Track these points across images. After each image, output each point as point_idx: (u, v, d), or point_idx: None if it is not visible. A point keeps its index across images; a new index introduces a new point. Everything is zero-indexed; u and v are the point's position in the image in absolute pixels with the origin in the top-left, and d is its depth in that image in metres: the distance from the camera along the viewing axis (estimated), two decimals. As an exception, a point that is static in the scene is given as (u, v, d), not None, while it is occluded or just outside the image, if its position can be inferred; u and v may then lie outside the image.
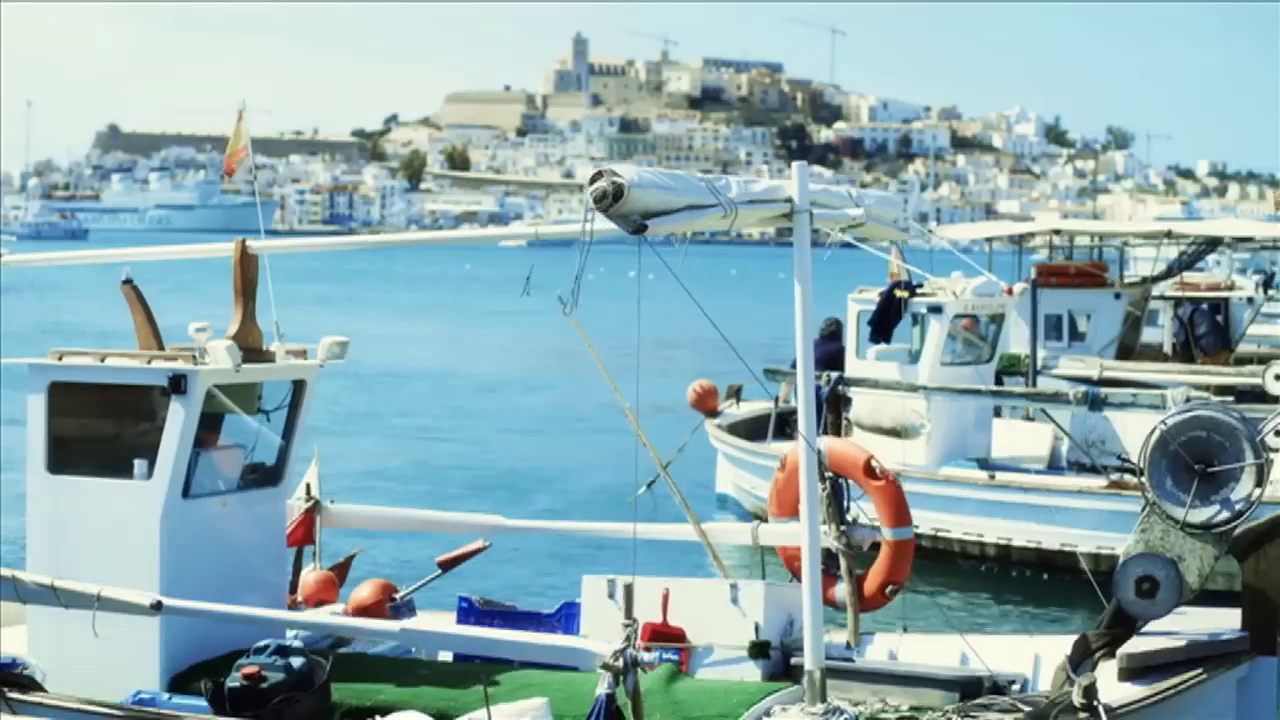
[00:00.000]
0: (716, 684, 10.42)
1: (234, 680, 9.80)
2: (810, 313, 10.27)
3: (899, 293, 21.85)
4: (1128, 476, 19.70)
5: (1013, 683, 10.73)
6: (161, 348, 11.25)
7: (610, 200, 8.77)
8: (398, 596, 12.34)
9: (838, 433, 21.69)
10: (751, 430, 23.58)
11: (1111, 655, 9.30)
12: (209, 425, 11.27)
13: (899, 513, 11.61)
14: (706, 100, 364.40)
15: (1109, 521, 19.47)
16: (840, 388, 21.14)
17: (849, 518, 11.77)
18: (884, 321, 21.86)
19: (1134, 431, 20.05)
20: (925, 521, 21.37)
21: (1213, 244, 26.16)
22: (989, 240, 26.02)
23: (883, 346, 22.40)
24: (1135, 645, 9.30)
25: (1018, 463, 21.82)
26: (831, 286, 25.54)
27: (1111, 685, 9.13)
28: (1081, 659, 9.45)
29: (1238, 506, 9.25)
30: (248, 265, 11.49)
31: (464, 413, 38.94)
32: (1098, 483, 19.92)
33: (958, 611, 19.25)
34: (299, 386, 11.60)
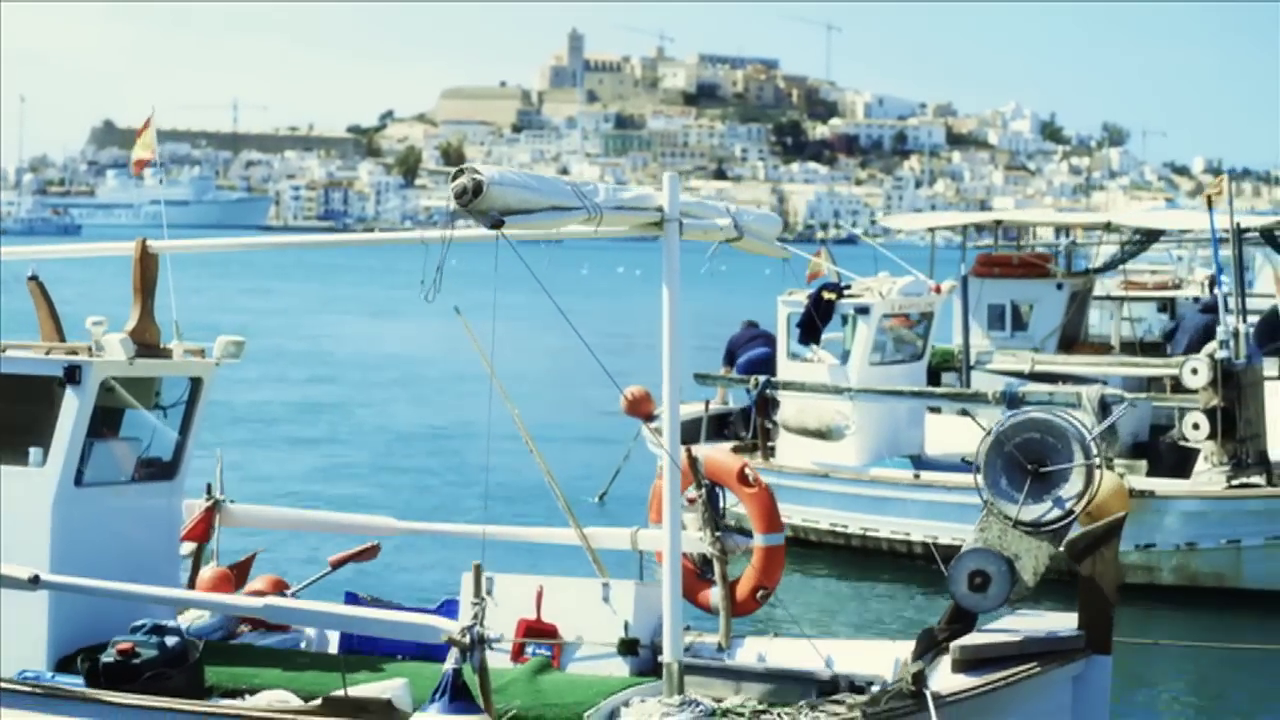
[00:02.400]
0: (581, 677, 10.75)
1: (109, 655, 10.26)
2: (679, 318, 10.52)
3: (826, 294, 22.03)
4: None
5: (870, 683, 10.98)
6: (63, 339, 11.65)
7: (470, 196, 9.06)
8: (289, 593, 12.67)
9: (766, 436, 21.91)
10: (687, 434, 23.74)
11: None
12: (108, 419, 11.69)
13: (770, 519, 11.92)
14: (702, 96, 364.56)
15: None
16: (768, 391, 21.36)
17: (723, 523, 12.06)
18: (812, 323, 22.03)
19: None
20: (854, 522, 21.62)
21: (1153, 235, 26.29)
22: (931, 230, 26.22)
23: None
24: (971, 640, 9.58)
25: (952, 458, 22.00)
26: (762, 289, 25.92)
27: (945, 677, 9.41)
28: (923, 653, 9.75)
29: (1068, 505, 9.61)
30: (147, 265, 11.90)
31: (424, 409, 39.07)
32: (1018, 482, 20.11)
33: (878, 610, 19.51)
34: (196, 384, 12.01)
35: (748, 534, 12.01)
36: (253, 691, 10.51)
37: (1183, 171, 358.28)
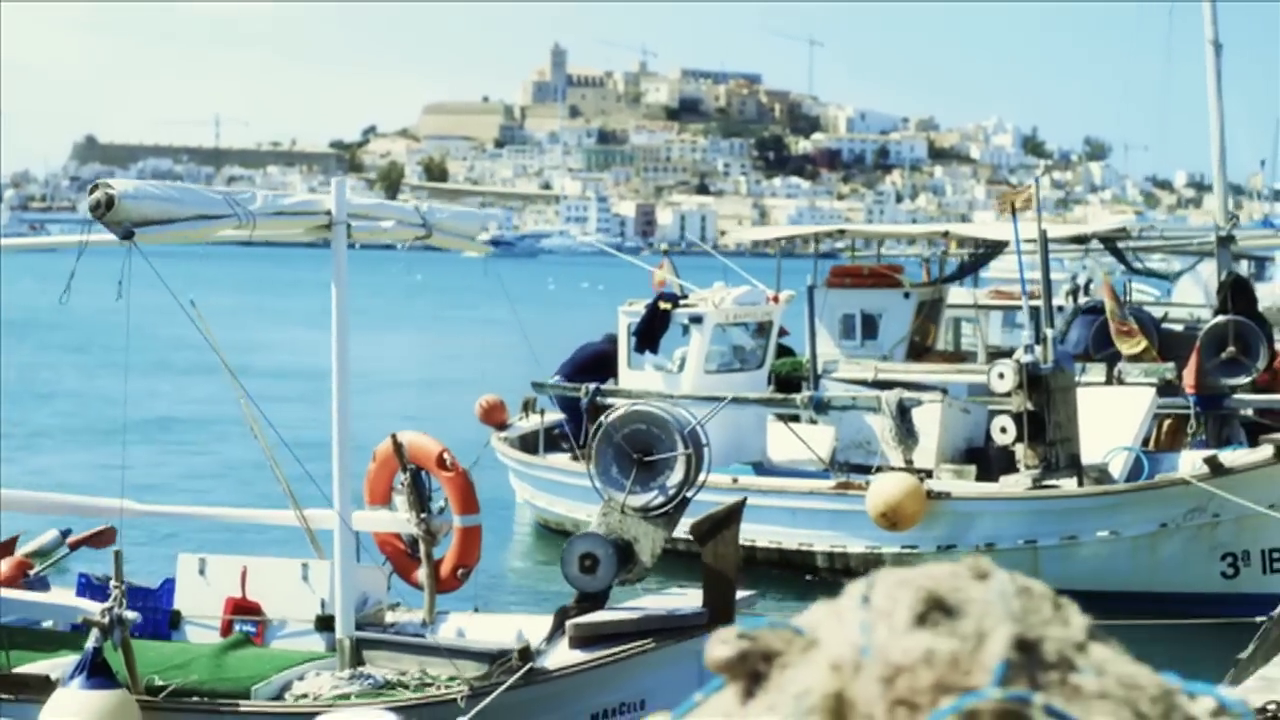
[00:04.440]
0: (268, 652, 11.40)
1: None
2: (348, 318, 11.16)
3: (663, 304, 22.60)
4: (854, 478, 20.58)
5: (539, 653, 11.64)
6: None
7: (103, 209, 9.72)
8: (31, 573, 13.37)
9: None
10: (536, 443, 24.42)
11: None
12: None
13: (467, 502, 12.60)
14: (684, 111, 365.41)
15: (839, 521, 20.34)
16: (599, 399, 21.94)
17: (431, 506, 12.72)
18: (649, 332, 22.60)
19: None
20: (679, 526, 22.17)
21: (997, 245, 26.70)
22: (768, 243, 26.78)
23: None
24: (586, 618, 10.23)
25: (797, 465, 22.57)
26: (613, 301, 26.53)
27: (562, 652, 10.06)
28: (556, 629, 10.40)
29: (671, 491, 10.30)
30: None
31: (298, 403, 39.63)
32: (827, 484, 20.75)
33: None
34: None
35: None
36: None
37: (1165, 185, 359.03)
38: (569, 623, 10.20)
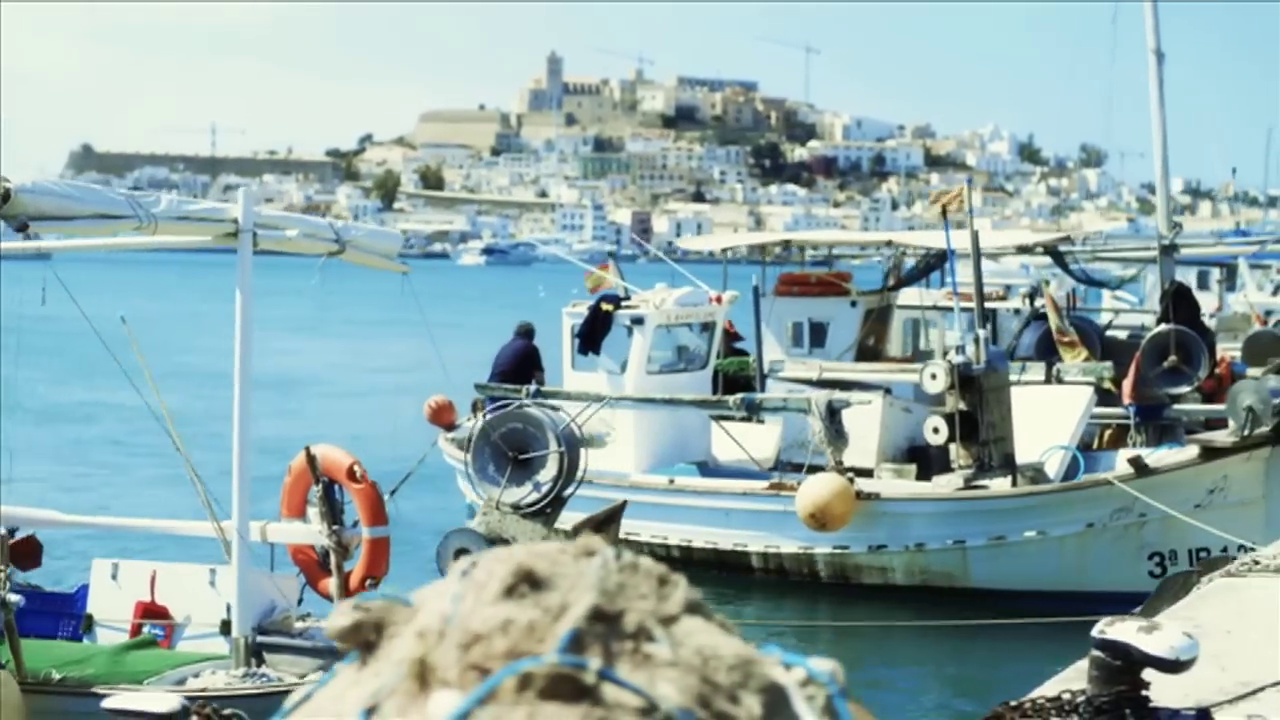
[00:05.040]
0: (168, 652, 11.68)
1: None
2: (251, 323, 11.44)
3: (605, 306, 22.79)
4: (788, 479, 20.81)
5: None
6: None
7: (1, 203, 10.06)
8: None
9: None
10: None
11: None
12: None
13: (375, 513, 12.81)
14: (680, 119, 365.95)
15: (773, 522, 20.57)
16: (540, 400, 22.17)
17: (343, 519, 12.95)
18: (591, 333, 22.79)
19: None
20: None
21: (941, 255, 26.90)
22: (725, 250, 27.08)
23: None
24: None
25: (743, 465, 22.76)
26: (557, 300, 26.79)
27: None
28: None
29: (544, 489, 10.56)
30: None
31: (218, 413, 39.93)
32: (761, 485, 20.97)
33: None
34: None
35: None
36: None
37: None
38: None
